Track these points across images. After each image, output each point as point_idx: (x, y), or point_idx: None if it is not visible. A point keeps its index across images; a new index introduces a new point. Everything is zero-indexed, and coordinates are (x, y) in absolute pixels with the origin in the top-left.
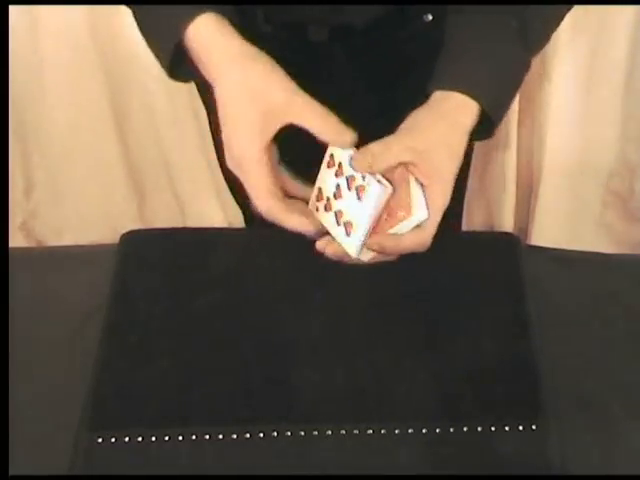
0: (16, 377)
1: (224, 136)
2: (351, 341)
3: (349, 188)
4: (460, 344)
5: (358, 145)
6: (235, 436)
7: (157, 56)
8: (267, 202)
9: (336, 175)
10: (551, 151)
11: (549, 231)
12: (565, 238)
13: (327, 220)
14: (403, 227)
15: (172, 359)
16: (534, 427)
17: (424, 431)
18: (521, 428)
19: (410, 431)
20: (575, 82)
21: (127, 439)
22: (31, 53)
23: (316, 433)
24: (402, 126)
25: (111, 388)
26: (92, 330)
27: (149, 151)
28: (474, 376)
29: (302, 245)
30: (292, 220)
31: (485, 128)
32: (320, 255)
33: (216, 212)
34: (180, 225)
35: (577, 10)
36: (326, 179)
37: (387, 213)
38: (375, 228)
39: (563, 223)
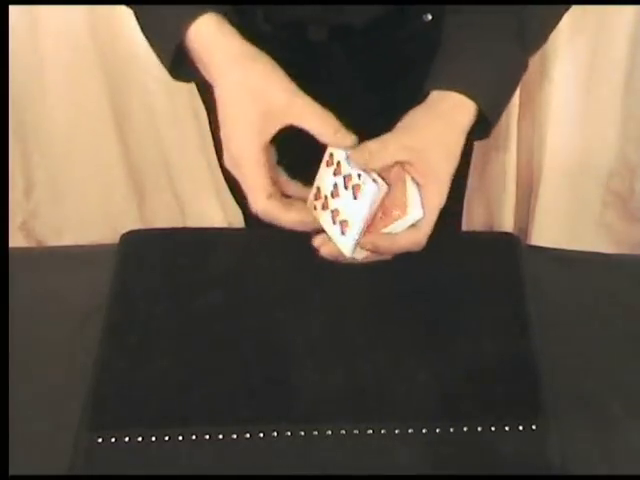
0: (16, 377)
1: (223, 135)
2: (351, 341)
3: (346, 187)
4: (460, 344)
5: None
6: (235, 436)
7: (159, 56)
8: (263, 202)
9: (334, 174)
10: (551, 151)
11: (549, 231)
12: (565, 238)
13: (324, 219)
14: (398, 226)
15: (172, 359)
16: (534, 427)
17: (424, 431)
18: (521, 428)
19: (410, 431)
20: (575, 82)
21: (127, 439)
22: (31, 53)
23: (316, 433)
24: (399, 124)
25: (111, 388)
26: (92, 330)
27: (149, 151)
28: (474, 376)
29: (302, 245)
30: (289, 216)
31: (482, 128)
32: (317, 252)
33: (216, 212)
34: (180, 225)
35: (576, 10)
36: (324, 178)
37: (382, 212)
38: (369, 227)
39: (563, 223)
